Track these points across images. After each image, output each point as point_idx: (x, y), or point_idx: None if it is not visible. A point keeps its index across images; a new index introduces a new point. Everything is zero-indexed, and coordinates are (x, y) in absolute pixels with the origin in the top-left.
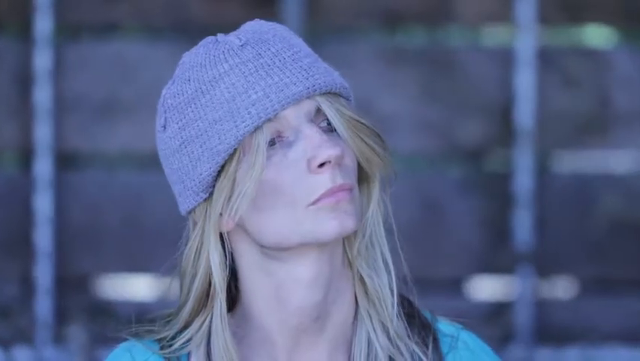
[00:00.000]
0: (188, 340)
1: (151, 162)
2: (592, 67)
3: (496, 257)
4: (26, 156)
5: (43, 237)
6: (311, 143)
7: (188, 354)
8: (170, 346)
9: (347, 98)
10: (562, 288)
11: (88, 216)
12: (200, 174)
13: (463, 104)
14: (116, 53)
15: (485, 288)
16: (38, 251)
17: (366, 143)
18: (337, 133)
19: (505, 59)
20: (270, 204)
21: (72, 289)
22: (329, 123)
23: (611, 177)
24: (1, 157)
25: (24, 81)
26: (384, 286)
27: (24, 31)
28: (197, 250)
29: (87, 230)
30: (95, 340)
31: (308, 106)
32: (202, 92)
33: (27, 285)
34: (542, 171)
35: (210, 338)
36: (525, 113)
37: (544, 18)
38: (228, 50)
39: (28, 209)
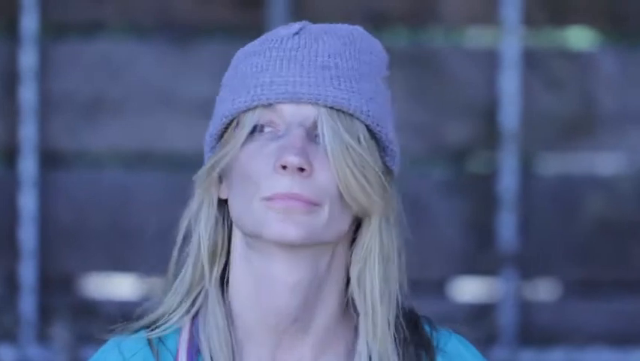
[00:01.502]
0: (179, 317)
1: (137, 161)
2: (576, 69)
3: (480, 259)
4: (11, 155)
5: (27, 235)
6: (285, 143)
7: (179, 335)
8: (157, 328)
9: (372, 131)
10: (546, 290)
11: (73, 215)
12: (210, 135)
13: (448, 106)
14: (102, 52)
15: (469, 289)
16: (23, 250)
17: (354, 175)
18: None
19: (490, 60)
20: (238, 185)
21: (56, 287)
22: (337, 142)
23: (596, 178)
24: None
25: (9, 80)
26: (372, 319)
27: (10, 30)
28: (195, 211)
29: (72, 229)
30: (78, 339)
31: (308, 112)
32: (238, 61)
33: (11, 283)
34: (527, 172)
35: (198, 317)
36: (510, 114)
37: (529, 20)
38: (282, 34)
39: (13, 207)
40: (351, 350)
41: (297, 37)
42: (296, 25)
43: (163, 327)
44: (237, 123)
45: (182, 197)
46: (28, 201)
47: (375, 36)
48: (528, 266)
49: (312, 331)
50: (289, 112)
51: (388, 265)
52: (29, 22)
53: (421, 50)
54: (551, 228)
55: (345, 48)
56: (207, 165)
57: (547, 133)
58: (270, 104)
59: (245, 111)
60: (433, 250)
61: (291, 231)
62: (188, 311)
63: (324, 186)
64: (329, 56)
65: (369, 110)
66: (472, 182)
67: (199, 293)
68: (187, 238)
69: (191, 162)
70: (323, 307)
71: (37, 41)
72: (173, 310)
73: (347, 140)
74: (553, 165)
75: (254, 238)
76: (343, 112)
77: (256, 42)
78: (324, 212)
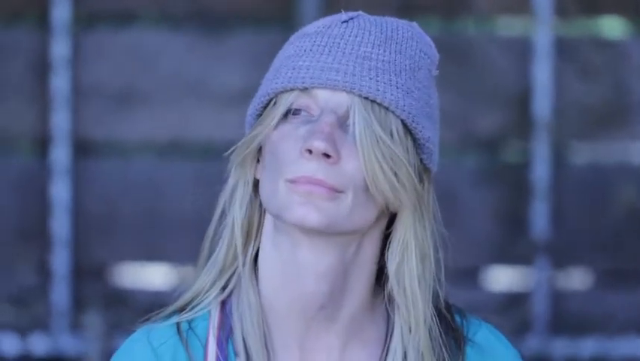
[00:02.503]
0: (213, 298)
1: (169, 151)
2: (608, 58)
3: (513, 248)
4: (43, 144)
5: (60, 225)
6: (314, 128)
7: (208, 321)
8: (189, 310)
9: (408, 127)
10: (578, 279)
11: (105, 204)
12: (250, 114)
13: (480, 95)
14: (134, 42)
15: (502, 279)
16: (55, 239)
17: (382, 168)
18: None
19: (523, 50)
20: (268, 164)
21: (89, 277)
22: (369, 132)
23: (629, 167)
24: (18, 145)
25: (42, 69)
26: (413, 314)
27: (42, 20)
28: (231, 191)
29: (104, 218)
30: (111, 328)
31: (343, 100)
32: (290, 42)
33: (44, 273)
34: (559, 161)
35: (230, 299)
36: (542, 103)
37: (561, 9)
38: (333, 20)
39: (45, 197)
40: (380, 341)
41: (345, 25)
42: (350, 14)
43: (195, 309)
44: (275, 103)
45: (213, 187)
46: (60, 191)
47: None
48: (560, 255)
49: (340, 319)
50: (323, 98)
51: (425, 260)
52: (61, 11)
53: (453, 39)
54: (584, 217)
55: (391, 41)
56: (241, 142)
57: (580, 122)
58: (306, 88)
59: (282, 92)
60: (466, 239)
61: (311, 216)
62: (222, 291)
63: (350, 174)
64: (372, 47)
65: (404, 105)
66: (505, 171)
67: (232, 274)
68: (222, 217)
69: (221, 152)
70: (350, 296)
71: (69, 31)
72: (206, 291)
73: (378, 132)
74: (586, 154)
75: (278, 220)
76: (378, 104)
77: (312, 25)
78: (347, 200)
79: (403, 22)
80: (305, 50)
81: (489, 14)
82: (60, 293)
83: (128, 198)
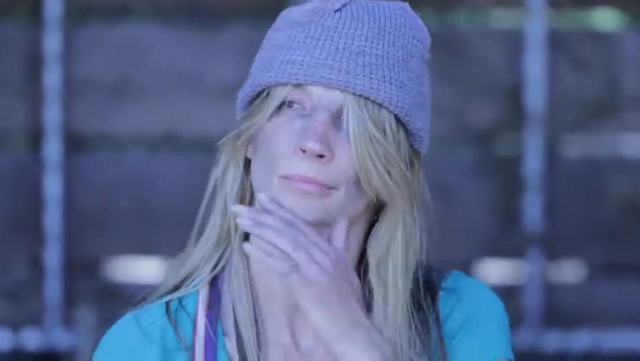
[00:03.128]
0: (207, 275)
1: (161, 145)
2: (601, 50)
3: (506, 240)
4: (36, 139)
5: (52, 219)
6: (308, 126)
7: (197, 295)
8: (182, 287)
9: (401, 120)
10: (571, 271)
11: (97, 199)
12: (241, 99)
13: (473, 88)
14: (126, 36)
15: (494, 271)
16: (48, 234)
17: (375, 166)
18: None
19: (515, 42)
20: (261, 153)
21: (81, 271)
22: (362, 130)
23: (621, 160)
24: (11, 139)
25: (34, 64)
26: (391, 305)
27: (34, 14)
28: (222, 171)
29: (97, 213)
30: (103, 322)
31: (336, 96)
32: (276, 29)
33: (36, 268)
34: (552, 154)
35: (222, 275)
36: (535, 96)
37: (554, 2)
38: (325, 8)
39: (37, 191)
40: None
41: (338, 14)
42: (334, 2)
43: (189, 287)
44: (268, 94)
45: (207, 180)
46: (52, 185)
47: None
48: (553, 248)
49: None
50: (317, 94)
51: (410, 252)
52: (53, 6)
53: (446, 32)
54: (576, 210)
55: (385, 32)
56: (234, 132)
57: (573, 115)
58: (299, 84)
59: (275, 85)
60: (459, 232)
61: (302, 212)
62: (214, 268)
63: (343, 171)
64: (366, 40)
65: (398, 101)
66: (498, 164)
67: (224, 251)
68: (214, 194)
69: (215, 146)
70: None
71: (61, 25)
72: (201, 268)
73: (372, 130)
74: (579, 146)
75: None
76: (371, 101)
77: (301, 9)
78: (340, 195)
79: (395, 7)
80: (298, 42)
81: (482, 7)
82: (53, 288)
83: (121, 192)
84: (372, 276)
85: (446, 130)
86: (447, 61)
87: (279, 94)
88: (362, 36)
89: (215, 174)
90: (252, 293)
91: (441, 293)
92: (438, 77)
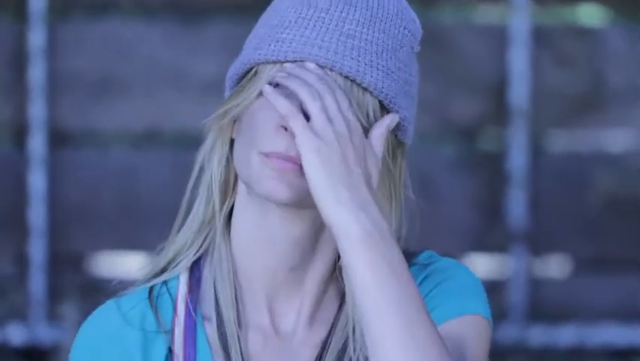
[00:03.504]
0: (192, 256)
1: (145, 140)
2: (586, 46)
3: (490, 236)
4: (20, 134)
5: (37, 214)
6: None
7: (178, 279)
8: (168, 271)
9: (385, 107)
10: (556, 267)
11: (82, 194)
12: (230, 77)
13: (457, 83)
14: (110, 32)
15: (479, 266)
16: (32, 229)
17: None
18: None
19: (500, 37)
20: (244, 131)
21: (66, 266)
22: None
23: (605, 155)
24: None
25: (18, 60)
26: None
27: (18, 10)
28: (209, 149)
29: (81, 208)
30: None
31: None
32: (272, 8)
33: (21, 263)
34: (536, 149)
35: (205, 256)
36: (519, 92)
37: None
38: None
39: (22, 187)
40: (338, 305)
41: None
42: None
43: (174, 269)
44: (256, 73)
45: (190, 175)
46: (37, 181)
47: None
48: (538, 243)
49: (309, 281)
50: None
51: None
52: (37, 2)
53: (430, 27)
54: (561, 205)
55: (376, 19)
56: (220, 110)
57: (557, 110)
58: (288, 62)
59: (264, 63)
60: (443, 227)
61: (281, 191)
62: (197, 252)
63: None
64: (357, 24)
65: (383, 87)
66: (482, 159)
67: (207, 236)
68: (200, 175)
69: (199, 141)
70: (319, 260)
71: (46, 21)
72: (187, 249)
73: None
74: (563, 142)
75: (248, 188)
76: (357, 84)
77: None
78: None
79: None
80: (290, 22)
81: (466, 2)
82: (37, 283)
83: (105, 187)
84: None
85: (430, 125)
86: (431, 56)
87: (267, 73)
88: (353, 20)
89: (202, 153)
90: (233, 277)
91: (411, 268)
92: (421, 72)
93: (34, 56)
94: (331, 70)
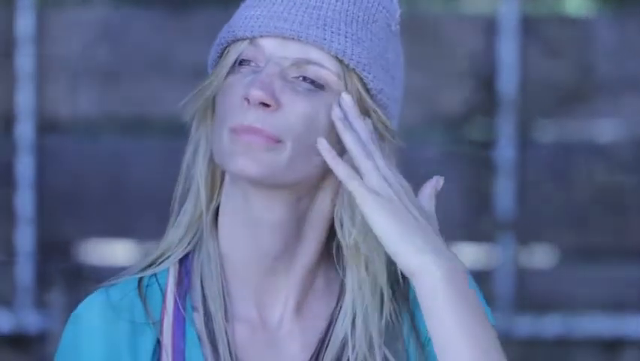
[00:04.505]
0: (181, 252)
1: (133, 127)
2: (574, 36)
3: (478, 225)
4: (8, 121)
5: (24, 201)
6: (255, 77)
7: (167, 273)
8: (158, 264)
9: (358, 75)
10: (542, 257)
11: (70, 181)
12: (209, 64)
13: (445, 73)
14: (98, 19)
15: (466, 256)
16: (20, 216)
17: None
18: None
19: (488, 27)
20: (217, 113)
21: (53, 254)
22: (312, 82)
23: (594, 146)
24: None
25: (7, 46)
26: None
27: None
28: (195, 144)
29: (69, 195)
30: (75, 305)
31: (289, 51)
32: None
33: (8, 250)
34: (524, 139)
35: (193, 252)
36: (507, 82)
37: None
38: None
39: (9, 174)
40: (334, 296)
41: None
42: None
43: (162, 265)
44: (227, 53)
45: (179, 163)
46: (25, 167)
47: None
48: (525, 233)
49: (295, 272)
50: (270, 48)
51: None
52: None
53: (418, 16)
54: (549, 195)
55: None
56: (194, 92)
57: (545, 100)
58: (255, 38)
59: (233, 42)
60: None
61: (250, 167)
62: (187, 247)
63: (290, 122)
64: None
65: (352, 54)
66: (470, 149)
67: (197, 231)
68: (188, 172)
69: (187, 129)
70: (305, 249)
71: (34, 8)
72: (175, 246)
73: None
74: (551, 132)
75: (223, 168)
76: (325, 52)
77: None
78: (286, 150)
79: None
80: (257, 1)
81: None
82: (24, 270)
83: (94, 174)
84: (343, 242)
85: (418, 115)
86: (418, 46)
87: (235, 51)
88: None
89: (188, 151)
90: (221, 270)
91: (417, 311)
92: (409, 62)
93: (22, 43)
94: (298, 40)
